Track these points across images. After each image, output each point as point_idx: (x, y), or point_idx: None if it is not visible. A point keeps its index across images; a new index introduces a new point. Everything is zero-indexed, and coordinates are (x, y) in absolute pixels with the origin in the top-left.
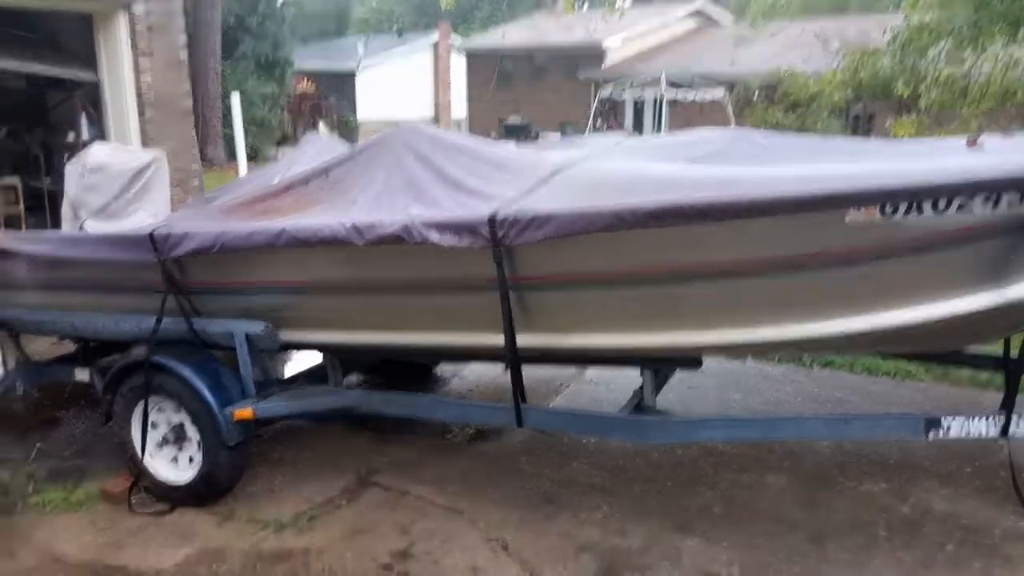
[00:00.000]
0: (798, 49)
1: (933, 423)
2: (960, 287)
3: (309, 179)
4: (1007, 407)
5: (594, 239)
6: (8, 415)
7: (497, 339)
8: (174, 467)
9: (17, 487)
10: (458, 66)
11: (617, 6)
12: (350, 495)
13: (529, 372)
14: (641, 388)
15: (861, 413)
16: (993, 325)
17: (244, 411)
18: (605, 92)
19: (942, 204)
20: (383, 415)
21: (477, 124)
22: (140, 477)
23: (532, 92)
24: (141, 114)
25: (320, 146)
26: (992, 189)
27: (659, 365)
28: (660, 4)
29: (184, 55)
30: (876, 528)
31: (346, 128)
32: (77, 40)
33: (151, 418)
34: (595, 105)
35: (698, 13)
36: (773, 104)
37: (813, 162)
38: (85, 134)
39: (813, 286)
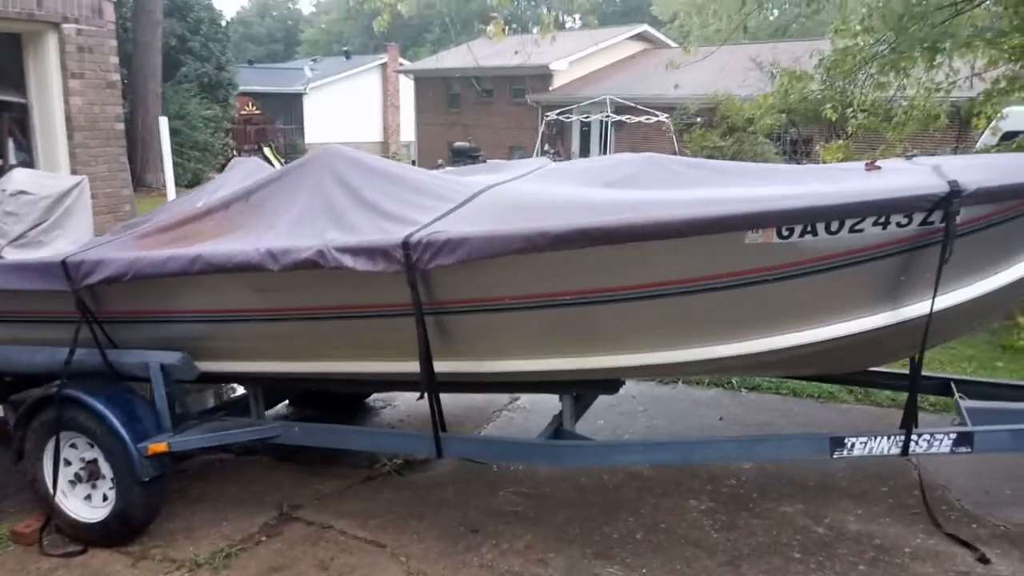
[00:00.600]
0: (740, 73)
1: (838, 442)
2: (859, 307)
3: (230, 203)
4: (906, 426)
5: (509, 263)
6: None
7: (415, 366)
8: (87, 505)
9: None
10: (407, 89)
11: (550, 30)
12: (270, 531)
13: (462, 401)
14: (560, 414)
15: (771, 434)
16: (893, 344)
17: (159, 445)
18: (552, 116)
19: (835, 226)
20: (304, 445)
21: (426, 147)
22: (52, 517)
23: (481, 115)
24: (70, 137)
25: (248, 169)
26: (879, 211)
27: (577, 389)
28: (606, 27)
29: (116, 77)
30: (791, 550)
31: (294, 151)
32: (6, 60)
33: (63, 454)
34: (542, 129)
35: (642, 37)
36: (711, 128)
37: (721, 186)
38: (12, 158)
39: (719, 308)
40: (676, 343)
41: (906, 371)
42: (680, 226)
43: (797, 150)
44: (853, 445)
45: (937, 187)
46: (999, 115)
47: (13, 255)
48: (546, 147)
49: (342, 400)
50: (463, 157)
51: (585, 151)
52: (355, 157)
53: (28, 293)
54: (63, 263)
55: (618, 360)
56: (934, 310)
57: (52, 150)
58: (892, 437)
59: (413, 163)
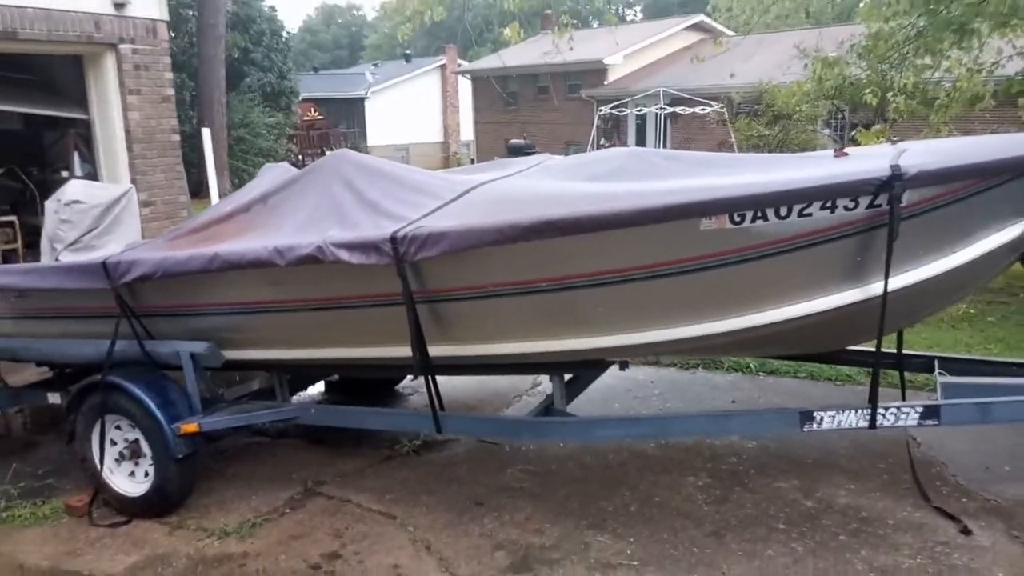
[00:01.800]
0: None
1: (807, 416)
2: (818, 288)
3: (250, 206)
4: (872, 400)
5: (489, 253)
6: None
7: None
8: (131, 481)
9: None
10: (466, 89)
11: (615, 21)
12: (294, 504)
13: (488, 387)
14: (551, 394)
15: (743, 409)
16: (859, 324)
17: (190, 426)
18: (605, 110)
19: (783, 211)
20: (332, 429)
21: (484, 145)
22: (100, 491)
23: (536, 112)
24: (130, 149)
25: (275, 174)
26: (822, 196)
27: (564, 370)
28: (661, 19)
29: (171, 92)
30: (777, 521)
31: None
32: (70, 80)
33: (109, 435)
34: (596, 123)
35: (698, 27)
36: (756, 117)
37: (693, 177)
38: (78, 171)
39: (684, 291)
40: (647, 325)
41: (892, 350)
42: (634, 216)
43: (844, 136)
44: (822, 419)
45: (880, 171)
46: None
47: (68, 259)
48: (601, 141)
49: (372, 387)
50: (518, 154)
51: (641, 143)
52: (361, 160)
53: (76, 292)
54: (103, 264)
55: (596, 342)
56: (892, 290)
57: (113, 162)
58: (860, 411)
59: (472, 162)
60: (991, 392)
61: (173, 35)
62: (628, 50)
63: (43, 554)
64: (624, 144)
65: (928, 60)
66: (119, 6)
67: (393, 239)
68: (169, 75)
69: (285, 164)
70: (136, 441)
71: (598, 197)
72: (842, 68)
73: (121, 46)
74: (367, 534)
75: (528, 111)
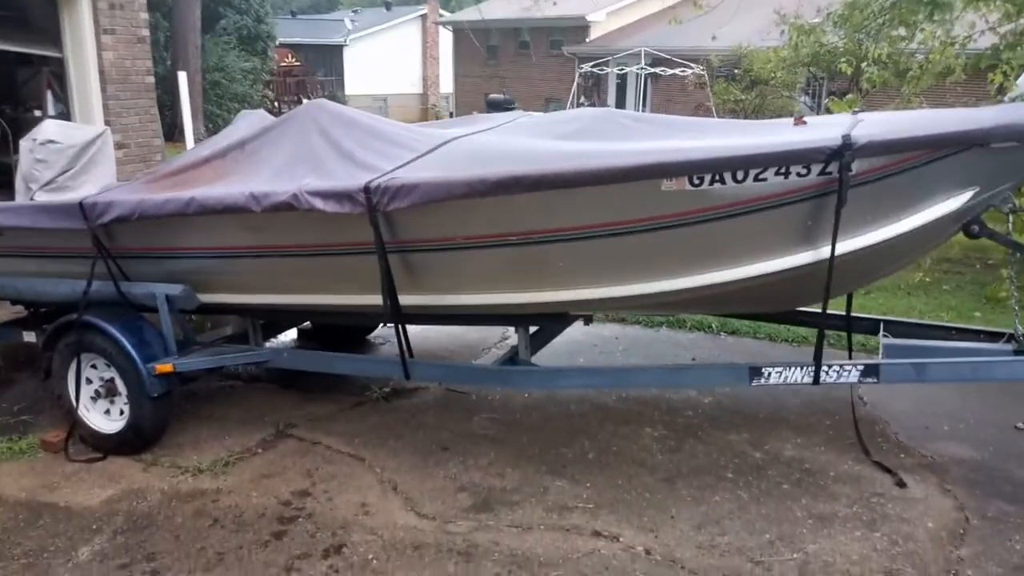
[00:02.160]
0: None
1: (756, 371)
2: (772, 249)
3: (227, 152)
4: (817, 358)
5: (459, 206)
6: None
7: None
8: (106, 418)
9: None
10: (447, 41)
11: None
12: (266, 445)
13: (459, 339)
14: (516, 345)
15: (697, 363)
16: (811, 284)
17: (165, 366)
18: (585, 68)
19: (740, 175)
20: (303, 373)
21: (463, 99)
22: (75, 428)
23: (518, 67)
24: (103, 90)
25: (253, 121)
26: (776, 162)
27: (529, 322)
28: None
29: (146, 33)
30: (725, 471)
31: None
32: (43, 17)
33: (84, 374)
34: (577, 81)
35: None
36: (734, 81)
37: (658, 139)
38: (51, 110)
39: (645, 248)
40: (609, 280)
41: (841, 312)
42: (597, 174)
43: (820, 104)
44: (769, 374)
45: (831, 140)
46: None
47: (43, 198)
48: (581, 99)
49: (344, 335)
50: (497, 109)
51: (621, 103)
52: (337, 110)
53: (52, 231)
54: (80, 204)
55: (560, 295)
56: (840, 254)
57: (87, 102)
58: (805, 367)
59: (451, 115)
60: (929, 354)
61: None
62: (611, 7)
63: (20, 486)
64: (604, 103)
65: (903, 31)
66: None
67: (367, 189)
68: (144, 15)
69: (262, 111)
70: (112, 380)
71: (566, 155)
72: (818, 36)
73: None
74: (336, 474)
75: (509, 66)
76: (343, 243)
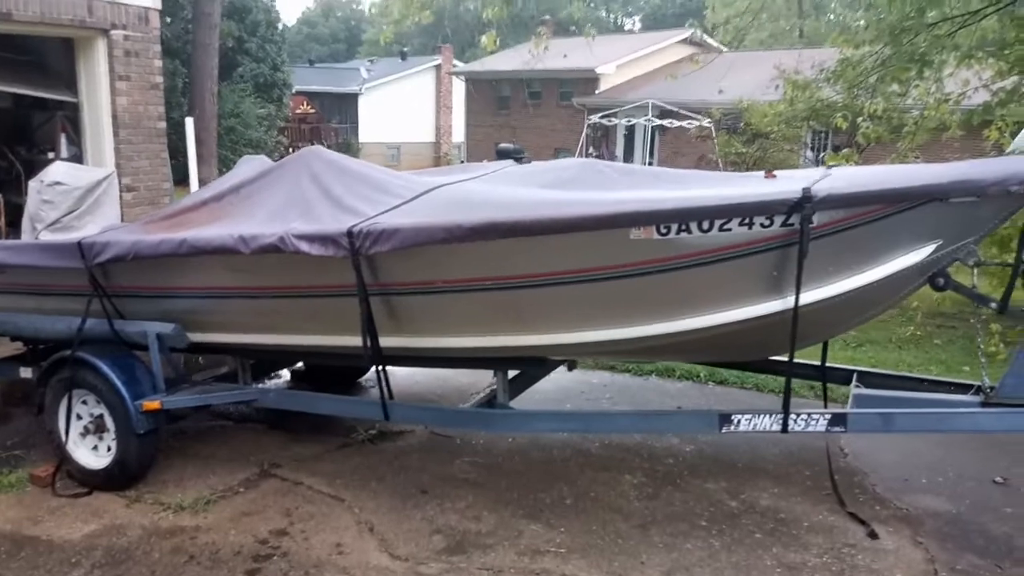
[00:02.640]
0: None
1: (725, 418)
2: (736, 298)
3: (223, 196)
4: (785, 407)
5: (439, 251)
6: None
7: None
8: (94, 455)
9: None
10: (460, 90)
11: (591, 35)
12: (249, 484)
13: (450, 383)
14: (494, 389)
15: (666, 409)
16: (777, 334)
17: (153, 403)
18: (594, 119)
19: (705, 225)
20: (291, 414)
21: (474, 148)
22: (64, 463)
23: (528, 118)
24: (116, 134)
25: (253, 166)
26: (738, 213)
27: (507, 366)
28: (654, 31)
29: (159, 79)
30: (700, 519)
31: (347, 149)
32: (60, 63)
33: (75, 409)
34: (585, 131)
35: (691, 41)
36: (736, 134)
37: (637, 189)
38: (64, 153)
39: (615, 295)
40: (580, 326)
41: (815, 362)
42: (567, 223)
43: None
44: (739, 421)
45: (792, 193)
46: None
47: (48, 238)
48: (590, 150)
49: (337, 377)
50: (507, 158)
51: (629, 154)
52: (330, 157)
53: (52, 269)
54: (79, 244)
55: (534, 339)
56: (804, 303)
57: (99, 146)
58: (774, 415)
59: (461, 163)
60: (899, 404)
61: (169, 21)
62: (620, 60)
63: (5, 518)
64: (612, 153)
65: (896, 88)
66: None
67: (349, 233)
68: (158, 63)
69: (262, 157)
70: (101, 416)
71: (543, 203)
72: (813, 91)
73: (113, 32)
74: (314, 514)
75: (520, 116)
76: (328, 285)
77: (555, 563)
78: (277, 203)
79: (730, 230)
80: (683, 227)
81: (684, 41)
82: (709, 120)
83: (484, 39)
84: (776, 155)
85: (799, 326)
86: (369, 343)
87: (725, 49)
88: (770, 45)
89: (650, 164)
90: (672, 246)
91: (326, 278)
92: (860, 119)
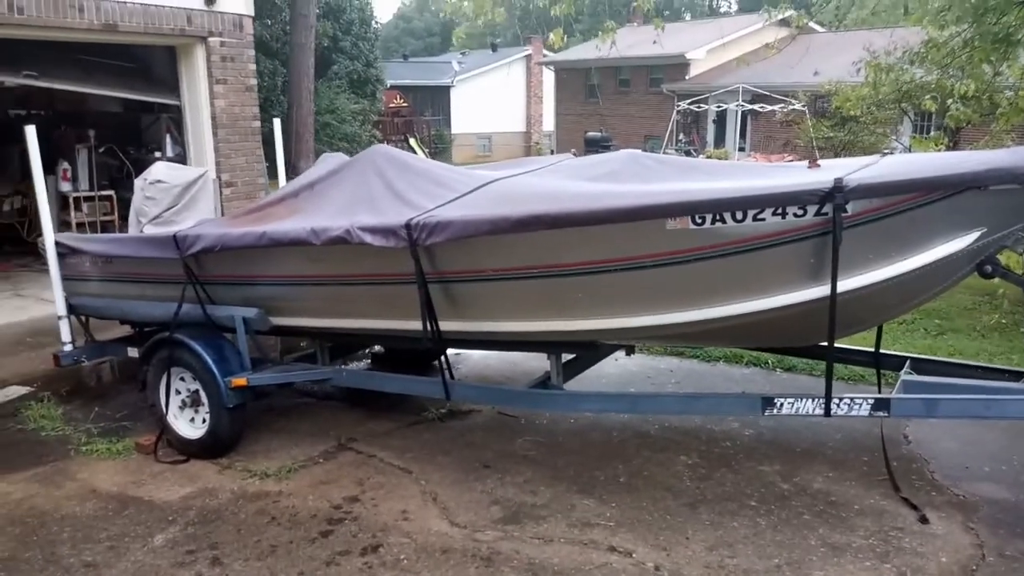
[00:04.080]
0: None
1: (768, 402)
2: (776, 285)
3: (299, 191)
4: (827, 391)
5: (490, 241)
6: (80, 389)
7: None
8: (191, 426)
9: (75, 439)
10: (550, 80)
11: (661, 25)
12: (327, 456)
13: (518, 364)
14: (548, 370)
15: (710, 392)
16: (817, 321)
17: (240, 380)
18: (682, 106)
19: (739, 215)
20: (349, 386)
21: (564, 136)
22: (165, 433)
23: (618, 105)
24: (215, 134)
25: (329, 164)
26: (771, 204)
27: (559, 349)
28: (746, 15)
29: (253, 82)
30: (749, 499)
31: (440, 141)
32: (164, 69)
33: (174, 385)
34: (674, 118)
35: (786, 22)
36: (824, 118)
37: (678, 181)
38: (169, 152)
39: (655, 282)
40: (625, 312)
41: (870, 348)
42: (606, 214)
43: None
44: (782, 404)
45: (823, 184)
46: None
47: (150, 231)
48: (680, 136)
49: (414, 360)
50: (595, 146)
51: (720, 140)
52: (393, 155)
53: (151, 260)
54: (174, 237)
55: (581, 324)
56: (842, 291)
57: (201, 145)
58: (816, 399)
59: (551, 152)
60: (947, 391)
61: (269, 23)
62: (711, 45)
63: (113, 481)
64: (702, 140)
65: (987, 69)
66: (209, 1)
67: (408, 225)
68: (252, 66)
69: (340, 154)
70: (196, 391)
71: (585, 196)
72: (898, 74)
73: (210, 39)
74: (384, 484)
75: (609, 103)
76: (391, 273)
77: (603, 535)
78: (345, 198)
79: (763, 220)
80: (718, 217)
81: (779, 23)
82: (800, 104)
83: (551, 36)
84: (867, 139)
85: (843, 312)
86: (429, 327)
87: (822, 30)
88: (872, 24)
89: (741, 150)
90: (708, 235)
91: (390, 267)
92: (950, 101)
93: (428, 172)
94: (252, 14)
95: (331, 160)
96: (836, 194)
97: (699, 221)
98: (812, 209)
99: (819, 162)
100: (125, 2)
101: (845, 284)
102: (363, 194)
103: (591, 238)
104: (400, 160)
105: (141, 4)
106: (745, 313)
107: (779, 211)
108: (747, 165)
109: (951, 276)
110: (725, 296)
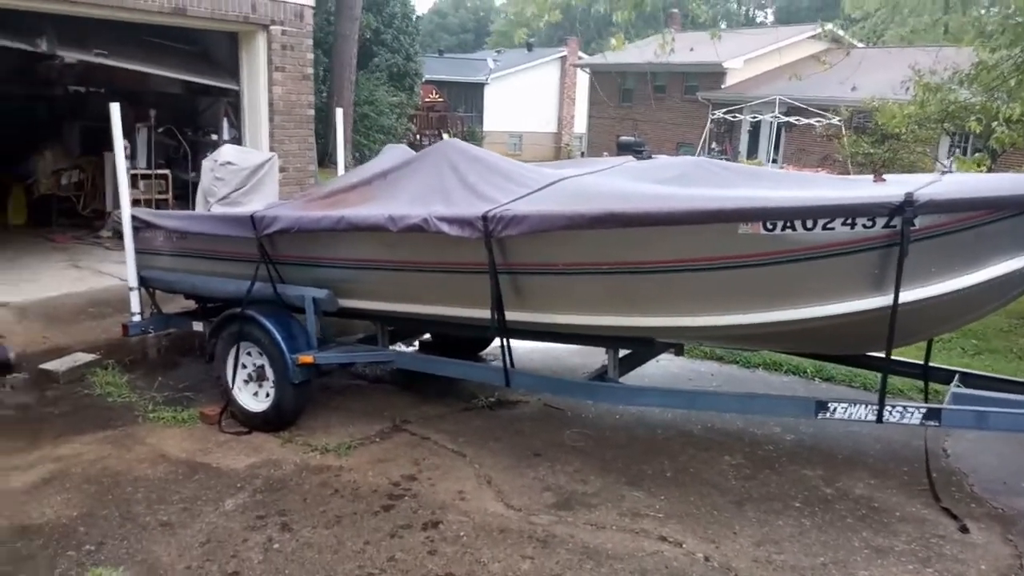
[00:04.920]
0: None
1: (822, 406)
2: (840, 292)
3: (371, 180)
4: (880, 399)
5: (561, 236)
6: (143, 359)
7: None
8: (255, 399)
9: (141, 406)
10: (584, 82)
11: (717, 34)
12: (383, 436)
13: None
14: (606, 364)
15: (766, 393)
16: (876, 330)
17: (307, 357)
18: (717, 114)
19: (809, 224)
20: (419, 376)
21: (595, 139)
22: (229, 405)
23: (650, 111)
24: (271, 120)
25: (395, 154)
26: (841, 214)
27: (617, 344)
28: (785, 27)
29: (311, 71)
30: (794, 500)
31: (472, 137)
32: (225, 54)
33: (241, 359)
34: (708, 126)
35: (826, 35)
36: (865, 134)
37: (743, 187)
38: (225, 135)
39: (721, 284)
40: (689, 311)
41: (919, 361)
42: (683, 215)
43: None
44: (835, 409)
45: (894, 197)
46: None
47: (218, 210)
48: (712, 145)
49: (461, 349)
50: (628, 150)
51: (753, 151)
52: (465, 149)
53: (225, 238)
54: (251, 217)
55: (644, 321)
56: (903, 302)
57: (256, 130)
58: (869, 406)
59: (582, 155)
60: (995, 405)
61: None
62: (749, 55)
63: (181, 448)
64: (735, 149)
65: None
66: None
67: (484, 218)
68: (310, 55)
69: (404, 146)
70: (262, 366)
71: (657, 197)
72: (945, 94)
73: (272, 27)
74: (440, 465)
75: (642, 108)
76: (462, 262)
77: (653, 525)
78: (419, 188)
79: (833, 229)
80: (788, 224)
81: (816, 36)
82: (839, 119)
83: (613, 41)
84: (907, 157)
85: (901, 323)
86: (496, 316)
87: (861, 45)
88: (912, 41)
89: (774, 161)
90: (778, 241)
91: (461, 256)
92: (995, 123)
93: (499, 167)
94: (313, 4)
95: (396, 151)
96: (907, 208)
97: (770, 227)
98: (881, 221)
99: (884, 176)
100: None
101: (907, 295)
102: (436, 185)
103: (663, 238)
104: (472, 154)
105: None
106: (807, 318)
107: (848, 221)
108: (811, 176)
109: (1008, 293)
110: (789, 301)
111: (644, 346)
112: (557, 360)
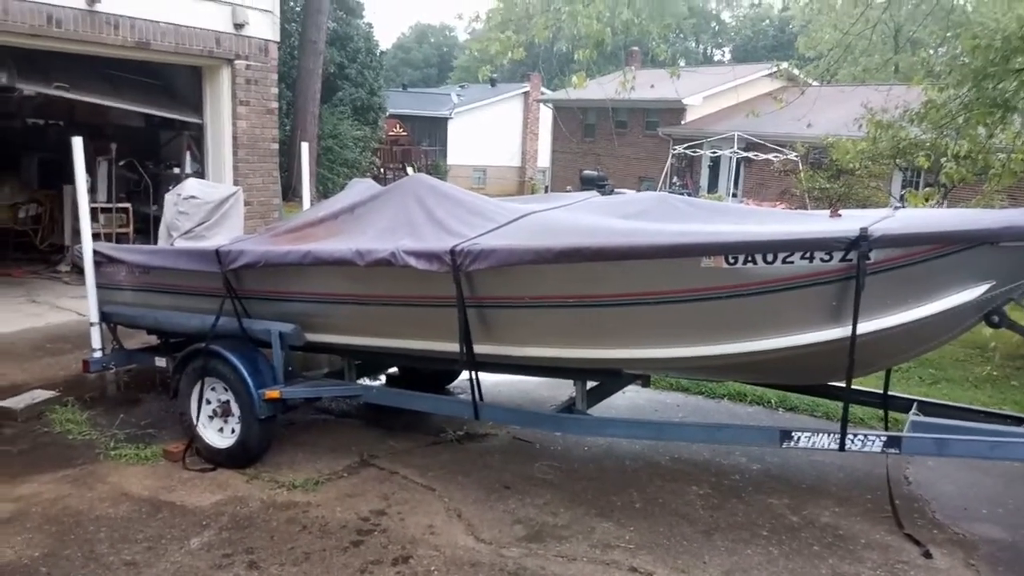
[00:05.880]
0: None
1: (786, 435)
2: (800, 324)
3: (338, 214)
4: (842, 427)
5: (528, 270)
6: (103, 396)
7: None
8: (220, 435)
9: (102, 444)
10: (547, 117)
11: (678, 73)
12: (351, 471)
13: (528, 393)
14: (574, 396)
15: (731, 423)
16: (835, 360)
17: (273, 392)
18: (678, 150)
19: (769, 257)
20: (387, 411)
21: (559, 173)
22: (193, 441)
23: (613, 146)
24: (235, 153)
25: (361, 188)
26: (798, 248)
27: (585, 376)
28: (743, 64)
29: (275, 105)
30: (761, 529)
31: (436, 171)
32: (188, 88)
33: (205, 395)
34: (669, 161)
35: (781, 74)
36: (820, 169)
37: (705, 222)
38: (188, 168)
39: (683, 317)
40: (653, 343)
41: (879, 390)
42: (647, 250)
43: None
44: (799, 438)
45: (849, 232)
46: None
47: (182, 245)
48: (674, 179)
49: (428, 383)
50: (591, 185)
51: (713, 185)
52: (432, 184)
53: (190, 272)
54: (216, 251)
55: (610, 353)
56: (860, 333)
57: (220, 163)
58: (832, 434)
59: (546, 189)
60: (952, 432)
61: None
62: (708, 92)
63: (144, 486)
64: (696, 184)
65: (982, 131)
66: (238, 26)
67: (452, 252)
68: (275, 90)
69: (370, 180)
70: (227, 402)
71: (622, 232)
72: (896, 131)
73: (236, 61)
74: (409, 500)
75: (605, 143)
76: (430, 296)
77: (624, 556)
78: (386, 223)
79: (792, 263)
80: (749, 258)
81: (773, 75)
82: (795, 154)
83: (575, 79)
84: (861, 192)
85: (859, 354)
86: (465, 349)
87: (815, 83)
88: (864, 80)
89: (734, 196)
90: (739, 275)
91: (429, 290)
92: (944, 159)
93: (466, 201)
94: (278, 39)
95: (362, 185)
96: (862, 242)
97: (732, 261)
98: (838, 255)
99: (840, 212)
100: (158, 22)
101: (864, 327)
102: (403, 219)
103: (629, 271)
104: (439, 189)
105: (173, 24)
106: (768, 350)
107: (807, 255)
108: (770, 211)
109: (960, 324)
110: (752, 332)
111: (611, 378)
112: (524, 393)
